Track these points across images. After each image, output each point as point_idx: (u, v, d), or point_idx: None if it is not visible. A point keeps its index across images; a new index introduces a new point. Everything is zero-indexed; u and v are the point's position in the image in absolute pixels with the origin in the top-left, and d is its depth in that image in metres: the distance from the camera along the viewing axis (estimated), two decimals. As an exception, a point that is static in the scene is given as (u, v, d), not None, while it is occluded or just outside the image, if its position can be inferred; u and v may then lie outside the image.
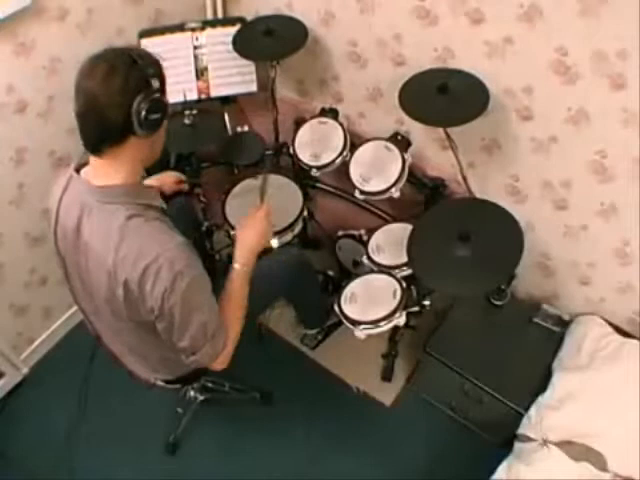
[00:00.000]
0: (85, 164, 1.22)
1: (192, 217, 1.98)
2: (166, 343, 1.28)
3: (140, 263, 1.13)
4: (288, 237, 1.89)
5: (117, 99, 1.06)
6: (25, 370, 2.21)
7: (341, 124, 1.95)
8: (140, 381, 1.59)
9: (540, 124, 1.70)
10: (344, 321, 1.73)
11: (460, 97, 1.63)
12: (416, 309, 1.75)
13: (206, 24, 2.05)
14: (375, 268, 1.84)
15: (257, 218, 1.47)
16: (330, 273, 2.29)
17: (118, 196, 1.16)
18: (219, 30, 2.05)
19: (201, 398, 2.04)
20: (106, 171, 1.16)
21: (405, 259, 1.66)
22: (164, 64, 1.16)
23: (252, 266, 1.42)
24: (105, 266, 1.16)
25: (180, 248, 1.16)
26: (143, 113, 1.08)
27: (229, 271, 1.40)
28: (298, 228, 1.92)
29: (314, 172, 1.91)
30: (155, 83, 1.09)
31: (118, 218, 1.14)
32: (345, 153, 1.89)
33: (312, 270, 1.97)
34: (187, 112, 1.83)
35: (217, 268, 2.12)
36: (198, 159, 2.09)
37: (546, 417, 1.70)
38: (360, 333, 1.70)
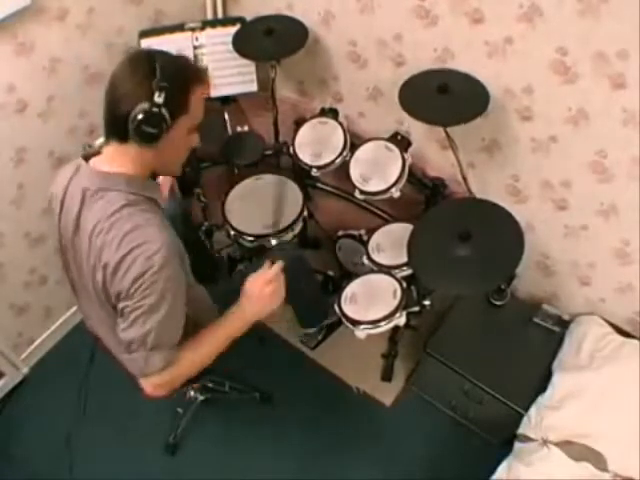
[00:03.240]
0: (95, 154, 1.23)
1: (185, 224, 1.96)
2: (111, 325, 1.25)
3: (122, 249, 1.13)
4: (288, 237, 1.89)
5: (123, 97, 1.11)
6: (25, 370, 2.21)
7: (341, 124, 1.95)
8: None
9: (540, 124, 1.70)
10: (344, 321, 1.73)
11: (460, 97, 1.63)
12: (416, 309, 1.75)
13: (206, 24, 2.05)
14: (375, 268, 1.84)
15: (265, 280, 1.34)
16: (330, 273, 2.29)
17: (118, 184, 1.18)
18: (219, 30, 2.05)
19: (201, 398, 2.04)
20: (114, 159, 1.19)
21: (405, 259, 1.66)
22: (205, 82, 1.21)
23: (242, 332, 1.33)
24: (93, 251, 1.17)
25: (165, 245, 1.14)
26: (138, 122, 1.09)
27: (228, 313, 1.33)
28: (298, 228, 1.92)
29: (314, 172, 1.91)
30: (159, 98, 1.09)
31: (113, 205, 1.16)
32: (345, 153, 1.89)
33: (310, 268, 1.97)
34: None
35: (218, 267, 2.13)
36: (198, 159, 2.09)
37: (546, 417, 1.70)
38: (360, 333, 1.70)
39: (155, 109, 1.09)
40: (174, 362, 1.23)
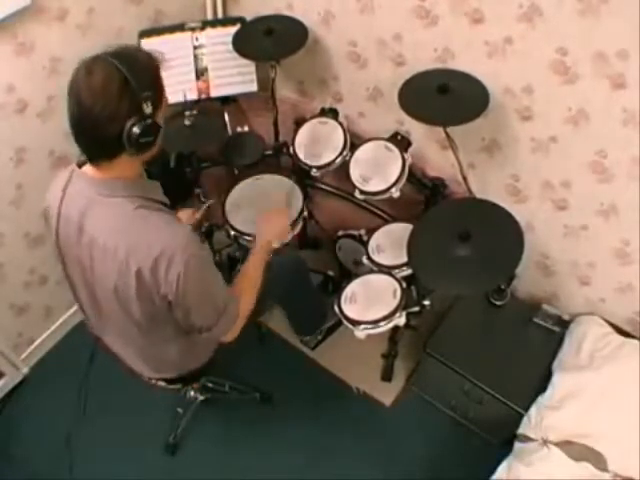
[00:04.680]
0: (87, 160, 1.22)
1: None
2: (180, 324, 1.31)
3: (152, 251, 1.14)
4: (288, 237, 1.89)
5: (109, 120, 1.05)
6: (25, 370, 2.21)
7: (341, 124, 1.95)
8: (141, 378, 1.59)
9: (540, 124, 1.70)
10: (344, 321, 1.73)
11: (460, 97, 1.63)
12: (416, 309, 1.75)
13: (206, 24, 2.06)
14: (375, 268, 1.84)
15: (281, 215, 1.69)
16: (330, 273, 2.29)
17: (121, 189, 1.17)
18: (219, 30, 2.05)
19: (201, 398, 2.04)
20: (107, 169, 1.17)
21: (405, 259, 1.66)
22: (165, 64, 1.16)
23: (268, 252, 1.57)
24: (115, 258, 1.17)
25: (188, 234, 1.21)
26: (134, 136, 1.07)
27: (247, 254, 1.54)
28: (298, 228, 1.92)
29: (314, 172, 1.91)
30: (147, 108, 1.07)
31: (125, 210, 1.16)
32: (345, 153, 1.89)
33: (308, 274, 1.98)
34: (187, 112, 1.83)
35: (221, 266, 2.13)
36: (198, 159, 2.09)
37: (546, 417, 1.70)
38: (360, 333, 1.70)
39: (149, 120, 1.08)
40: (238, 302, 1.37)
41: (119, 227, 1.17)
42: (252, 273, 1.49)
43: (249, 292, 1.45)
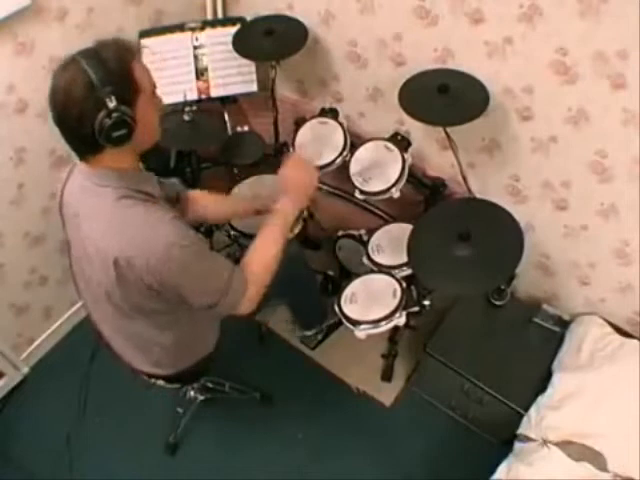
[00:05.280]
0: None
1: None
2: (182, 306, 1.30)
3: (131, 242, 1.15)
4: (288, 237, 1.89)
5: (78, 120, 1.08)
6: (25, 370, 2.21)
7: (341, 124, 1.95)
8: (141, 374, 1.59)
9: (540, 124, 1.70)
10: (344, 321, 1.73)
11: (460, 97, 1.63)
12: (416, 309, 1.75)
13: (206, 24, 2.06)
14: (375, 268, 1.84)
15: (302, 159, 1.52)
16: (330, 273, 2.29)
17: (110, 179, 1.18)
18: (219, 30, 2.05)
19: (201, 398, 2.04)
20: (99, 162, 1.18)
21: (405, 259, 1.66)
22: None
23: (301, 209, 1.45)
24: (97, 246, 1.19)
25: (172, 222, 1.19)
26: (105, 131, 1.08)
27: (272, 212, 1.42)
28: (298, 228, 1.91)
29: (314, 172, 1.91)
30: (111, 103, 1.07)
31: (107, 199, 1.17)
32: (345, 153, 1.89)
33: (309, 268, 1.97)
34: (187, 108, 1.83)
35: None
36: (198, 159, 2.09)
37: (546, 417, 1.70)
38: (360, 333, 1.70)
39: (115, 114, 1.08)
40: (249, 278, 1.30)
41: (101, 216, 1.18)
42: (274, 237, 1.38)
43: (264, 265, 1.35)
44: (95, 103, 1.07)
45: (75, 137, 1.13)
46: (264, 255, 1.37)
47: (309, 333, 2.24)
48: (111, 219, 1.17)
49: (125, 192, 1.18)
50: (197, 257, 1.23)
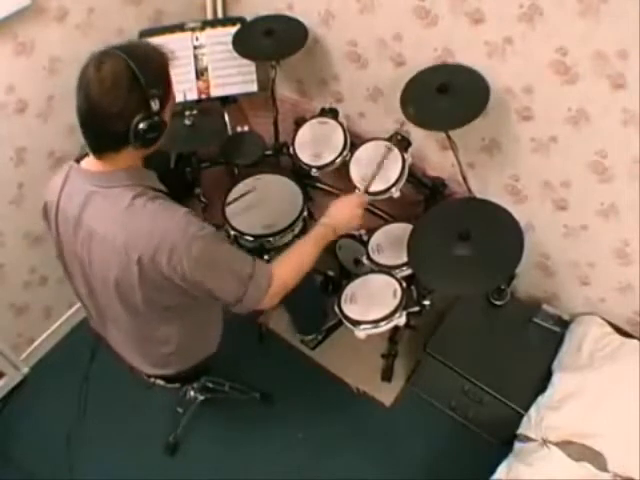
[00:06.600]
0: (85, 155, 1.23)
1: None
2: (209, 302, 1.31)
3: (152, 239, 1.15)
4: (288, 237, 1.89)
5: (116, 116, 1.08)
6: (25, 370, 2.21)
7: (341, 124, 1.95)
8: (141, 375, 1.59)
9: (540, 124, 1.70)
10: (344, 321, 1.73)
11: (460, 95, 1.62)
12: (416, 309, 1.75)
13: (206, 24, 2.05)
14: (375, 268, 1.84)
15: (358, 202, 1.56)
16: (330, 273, 2.29)
17: (120, 180, 1.18)
18: (219, 30, 2.05)
19: (201, 398, 2.04)
20: (108, 161, 1.18)
21: (405, 259, 1.66)
22: (173, 63, 1.17)
23: (334, 234, 1.49)
24: (114, 248, 1.18)
25: (187, 216, 1.19)
26: (141, 132, 1.10)
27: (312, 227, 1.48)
28: (298, 228, 1.91)
29: (314, 172, 1.91)
30: (155, 105, 1.09)
31: (124, 199, 1.17)
32: (345, 153, 1.89)
33: (310, 273, 1.97)
34: (187, 112, 1.83)
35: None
36: (198, 159, 2.09)
37: (546, 417, 1.70)
38: (360, 333, 1.70)
39: (156, 117, 1.10)
40: (274, 275, 1.31)
41: (117, 217, 1.18)
42: (306, 245, 1.44)
43: (294, 261, 1.40)
44: (138, 102, 1.07)
45: (104, 131, 1.11)
46: (293, 257, 1.41)
47: (306, 338, 2.24)
48: (128, 219, 1.17)
49: (137, 190, 1.18)
50: (217, 245, 1.24)
